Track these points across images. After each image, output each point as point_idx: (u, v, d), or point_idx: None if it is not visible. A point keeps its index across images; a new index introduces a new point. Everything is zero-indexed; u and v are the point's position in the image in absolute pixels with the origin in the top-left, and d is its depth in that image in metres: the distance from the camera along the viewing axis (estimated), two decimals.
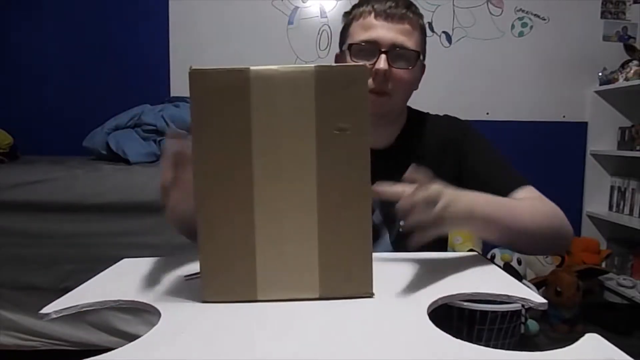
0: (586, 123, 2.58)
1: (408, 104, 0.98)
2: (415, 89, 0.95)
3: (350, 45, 0.89)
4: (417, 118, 1.00)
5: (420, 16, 0.91)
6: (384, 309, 0.48)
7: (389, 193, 0.61)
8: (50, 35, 2.38)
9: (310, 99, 0.48)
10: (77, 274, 1.44)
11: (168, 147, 0.64)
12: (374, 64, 0.85)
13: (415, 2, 0.91)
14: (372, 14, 0.88)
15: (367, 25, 0.88)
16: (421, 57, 0.92)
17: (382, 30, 0.86)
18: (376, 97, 0.87)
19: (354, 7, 0.93)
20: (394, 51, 0.86)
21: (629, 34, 2.55)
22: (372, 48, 0.86)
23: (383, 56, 0.85)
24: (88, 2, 2.39)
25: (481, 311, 1.65)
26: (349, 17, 0.93)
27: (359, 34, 0.89)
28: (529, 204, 0.80)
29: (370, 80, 0.85)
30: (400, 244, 0.92)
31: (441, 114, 1.03)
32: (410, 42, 0.87)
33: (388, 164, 0.89)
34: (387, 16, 0.87)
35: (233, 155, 0.48)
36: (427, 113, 1.02)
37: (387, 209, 0.94)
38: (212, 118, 0.48)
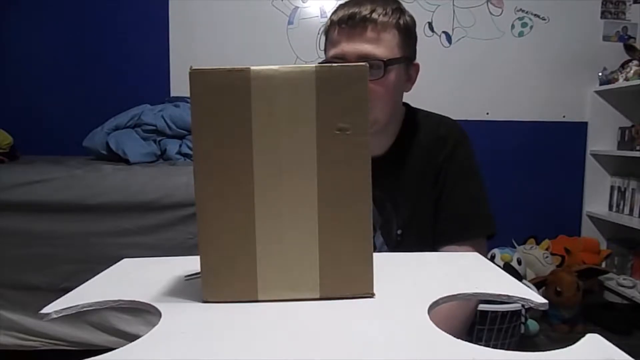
0: (586, 123, 2.58)
1: (409, 102, 0.96)
2: (406, 90, 0.91)
3: (322, 63, 0.85)
4: (413, 122, 0.95)
5: (395, 14, 0.83)
6: (385, 309, 0.48)
7: None
8: (50, 35, 2.38)
9: (311, 99, 0.48)
10: (77, 274, 1.44)
11: None
12: None
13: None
14: (336, 28, 0.83)
15: (334, 41, 0.84)
16: (402, 60, 0.85)
17: (346, 45, 0.81)
18: None
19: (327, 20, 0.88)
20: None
21: (629, 34, 2.55)
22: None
23: None
24: (88, 2, 2.39)
25: (481, 311, 1.65)
26: (324, 32, 0.89)
27: (329, 51, 0.85)
28: (450, 322, 0.80)
29: None
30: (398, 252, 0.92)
31: (442, 115, 0.98)
32: (378, 50, 0.81)
33: (381, 172, 0.89)
34: (349, 27, 0.81)
35: (233, 155, 0.48)
36: (427, 114, 0.97)
37: (385, 220, 0.94)
38: (212, 118, 0.48)
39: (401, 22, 0.84)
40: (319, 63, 0.85)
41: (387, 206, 0.93)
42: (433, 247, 0.92)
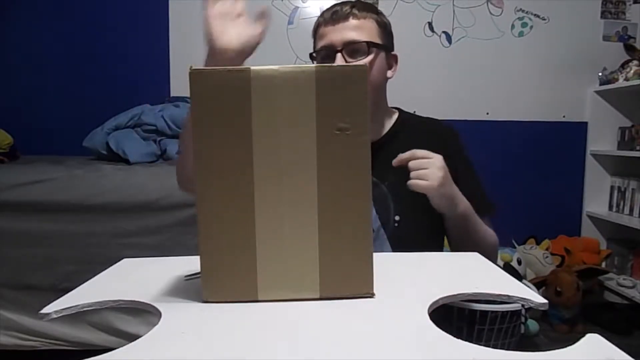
0: (586, 123, 2.58)
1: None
2: (389, 77, 1.01)
3: (311, 55, 0.98)
4: (406, 118, 1.05)
5: (372, 11, 0.96)
6: (385, 309, 0.48)
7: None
8: (50, 35, 2.37)
9: (310, 99, 0.48)
10: (77, 274, 1.44)
11: None
12: None
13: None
14: (323, 25, 0.96)
15: (321, 35, 0.96)
16: (382, 48, 0.95)
17: (333, 34, 0.93)
18: None
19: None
20: (348, 48, 0.92)
21: (629, 34, 2.55)
22: (329, 52, 0.93)
23: (338, 55, 0.91)
24: (88, 1, 2.39)
25: (481, 311, 1.64)
26: (312, 35, 1.00)
27: (317, 45, 0.97)
28: (485, 233, 0.97)
29: None
30: (396, 238, 0.94)
31: (432, 117, 1.08)
32: (360, 35, 0.92)
33: (374, 159, 0.91)
34: (334, 21, 0.94)
35: (233, 156, 0.48)
36: (418, 115, 1.08)
37: (382, 205, 0.95)
38: (212, 118, 0.48)
39: (378, 18, 0.97)
40: (310, 59, 0.97)
41: (382, 188, 0.97)
42: (435, 233, 0.98)
